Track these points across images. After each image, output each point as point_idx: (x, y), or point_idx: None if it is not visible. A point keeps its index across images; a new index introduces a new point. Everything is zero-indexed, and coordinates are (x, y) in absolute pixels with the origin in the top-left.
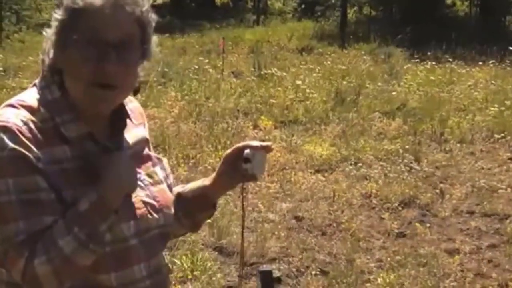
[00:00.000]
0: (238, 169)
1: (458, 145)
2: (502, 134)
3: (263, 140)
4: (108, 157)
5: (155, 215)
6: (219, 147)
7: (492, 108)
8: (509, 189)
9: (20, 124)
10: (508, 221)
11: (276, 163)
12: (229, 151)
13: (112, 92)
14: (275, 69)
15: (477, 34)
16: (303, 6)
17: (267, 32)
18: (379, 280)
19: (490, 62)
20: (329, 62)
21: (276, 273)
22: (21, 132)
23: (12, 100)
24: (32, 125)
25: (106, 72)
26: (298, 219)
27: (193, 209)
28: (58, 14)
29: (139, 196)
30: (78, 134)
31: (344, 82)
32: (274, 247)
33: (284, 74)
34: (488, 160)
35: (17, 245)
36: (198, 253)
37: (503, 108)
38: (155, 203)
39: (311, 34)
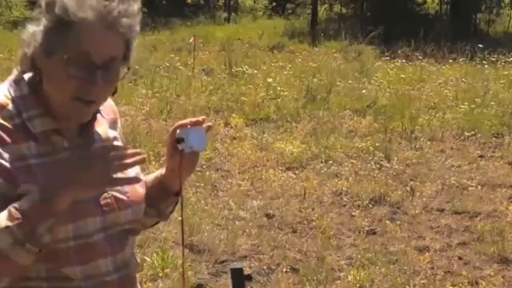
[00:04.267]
0: (177, 150)
1: (428, 142)
2: (472, 132)
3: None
4: (71, 154)
5: (124, 211)
6: None
7: (462, 106)
8: (479, 187)
9: None
10: (478, 218)
11: (247, 160)
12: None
13: (92, 105)
14: (246, 67)
15: (447, 31)
16: (274, 3)
17: (238, 29)
18: (350, 278)
19: (461, 59)
20: (300, 60)
21: (247, 271)
22: None
23: None
24: None
25: (91, 91)
26: (269, 216)
27: (154, 198)
28: (46, 18)
29: (110, 192)
30: (44, 129)
31: (315, 80)
32: (245, 244)
33: (255, 71)
34: (458, 158)
35: None
36: (169, 250)
37: (473, 106)
38: (125, 198)
39: (282, 31)
